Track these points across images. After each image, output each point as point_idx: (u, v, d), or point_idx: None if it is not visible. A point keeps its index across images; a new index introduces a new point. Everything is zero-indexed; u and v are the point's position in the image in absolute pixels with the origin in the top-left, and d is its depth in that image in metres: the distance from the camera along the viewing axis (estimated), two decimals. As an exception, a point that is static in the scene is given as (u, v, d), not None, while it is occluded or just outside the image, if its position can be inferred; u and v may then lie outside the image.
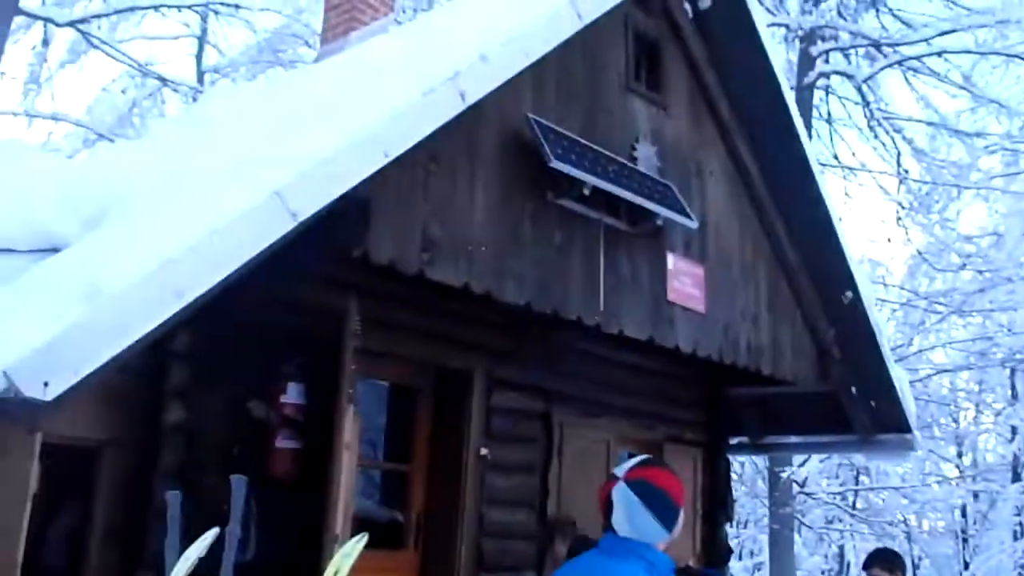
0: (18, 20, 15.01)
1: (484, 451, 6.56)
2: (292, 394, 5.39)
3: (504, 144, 5.69)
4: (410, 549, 6.40)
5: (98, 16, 16.14)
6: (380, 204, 4.88)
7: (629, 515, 2.54)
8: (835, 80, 17.19)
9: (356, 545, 2.76)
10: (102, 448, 5.11)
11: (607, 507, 2.58)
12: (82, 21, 15.75)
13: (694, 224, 6.72)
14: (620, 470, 2.63)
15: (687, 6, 7.44)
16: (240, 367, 5.32)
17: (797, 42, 16.27)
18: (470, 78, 5.06)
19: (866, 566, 5.82)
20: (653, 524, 2.54)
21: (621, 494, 2.56)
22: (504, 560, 6.69)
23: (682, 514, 2.62)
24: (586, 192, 5.86)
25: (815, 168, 7.96)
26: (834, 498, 18.38)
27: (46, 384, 3.37)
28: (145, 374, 5.14)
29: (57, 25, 15.48)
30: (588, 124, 6.32)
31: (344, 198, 4.45)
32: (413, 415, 6.61)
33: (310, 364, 5.49)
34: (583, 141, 6.10)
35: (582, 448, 7.37)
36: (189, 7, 17.57)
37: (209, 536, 3.05)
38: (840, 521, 19.92)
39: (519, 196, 5.73)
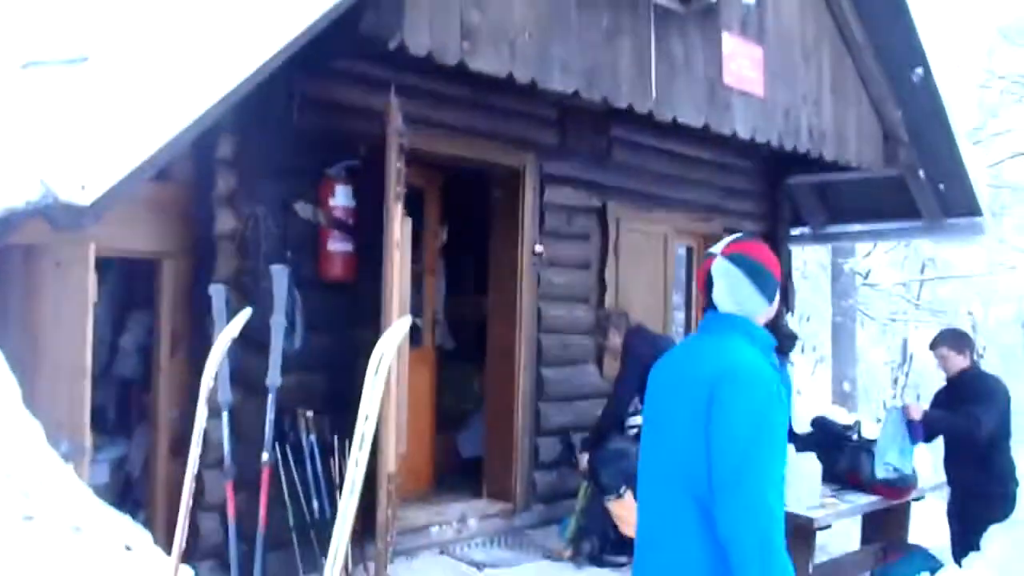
0: None
1: (539, 248, 6.50)
2: (340, 197, 5.33)
3: (544, -81, 5.29)
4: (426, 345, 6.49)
5: None
6: (414, -10, 4.62)
7: (731, 288, 2.51)
8: None
9: (401, 326, 2.73)
10: (160, 260, 5.17)
11: (707, 285, 2.55)
12: None
13: (751, 0, 6.30)
14: (716, 248, 2.59)
15: None
16: (287, 172, 5.26)
17: None
18: None
19: (933, 345, 5.76)
20: (754, 295, 2.52)
21: (721, 268, 2.52)
22: (564, 354, 6.77)
23: (778, 286, 2.58)
24: (633, -33, 5.49)
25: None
26: (898, 289, 18.21)
27: (83, 187, 3.34)
28: (194, 184, 5.12)
29: None
30: None
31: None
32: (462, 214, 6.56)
33: (356, 166, 5.40)
34: (629, -88, 5.66)
35: (638, 242, 7.28)
36: None
37: (243, 315, 3.05)
38: (904, 313, 19.83)
39: (562, -23, 5.39)
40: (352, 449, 2.70)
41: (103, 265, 4.70)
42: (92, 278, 4.32)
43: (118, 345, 5.84)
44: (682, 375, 2.48)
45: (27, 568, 3.00)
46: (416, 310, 6.38)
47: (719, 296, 2.53)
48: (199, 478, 3.89)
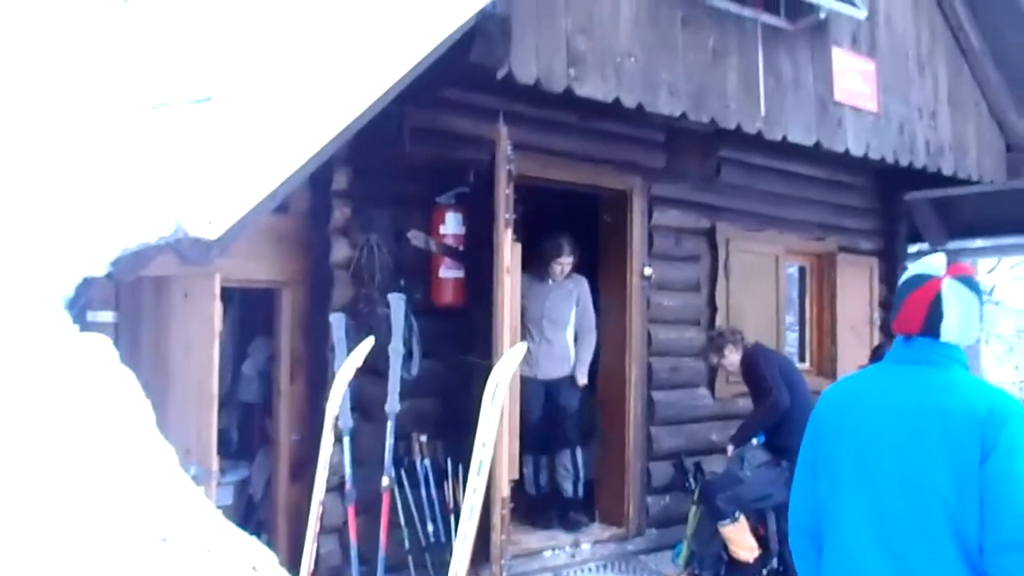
0: None
1: (648, 271, 6.48)
2: (451, 224, 5.43)
3: (648, -56, 5.32)
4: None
5: None
6: (520, 20, 4.70)
7: (966, 314, 2.29)
8: None
9: (516, 354, 2.76)
10: (280, 289, 5.35)
11: (931, 310, 2.28)
12: None
13: (862, 14, 6.18)
14: (931, 269, 2.35)
15: None
16: (398, 201, 5.39)
17: None
18: None
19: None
20: (979, 321, 2.33)
21: (956, 292, 2.29)
22: (675, 378, 6.70)
23: None
24: (739, -14, 5.46)
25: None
26: (1026, 305, 17.40)
27: (210, 222, 3.49)
28: (311, 215, 5.29)
29: None
30: (738, -87, 5.81)
31: (483, 14, 4.29)
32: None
33: (466, 193, 5.49)
34: (733, -68, 5.63)
35: (750, 263, 7.18)
36: None
37: (366, 344, 3.13)
38: (1033, 330, 18.91)
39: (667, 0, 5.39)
40: (470, 475, 2.74)
41: (226, 294, 4.91)
42: (218, 308, 4.50)
43: (240, 371, 6.06)
44: (904, 409, 2.24)
45: (163, 587, 3.13)
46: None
47: (951, 323, 2.27)
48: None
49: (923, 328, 2.30)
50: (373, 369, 4.45)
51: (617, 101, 5.19)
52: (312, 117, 3.81)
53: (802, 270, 8.00)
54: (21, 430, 3.23)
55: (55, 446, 3.33)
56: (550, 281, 6.16)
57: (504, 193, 5.03)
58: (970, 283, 2.32)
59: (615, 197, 6.47)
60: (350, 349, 3.51)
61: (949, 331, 2.28)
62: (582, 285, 6.26)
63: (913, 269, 2.41)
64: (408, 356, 4.30)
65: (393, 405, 3.77)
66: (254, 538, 4.01)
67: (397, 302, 3.68)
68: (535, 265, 6.10)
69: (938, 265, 2.36)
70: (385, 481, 3.80)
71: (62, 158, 4.91)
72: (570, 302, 6.18)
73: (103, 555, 3.11)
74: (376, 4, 4.41)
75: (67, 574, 3.02)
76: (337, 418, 3.16)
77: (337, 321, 3.60)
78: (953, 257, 7.58)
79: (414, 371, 4.63)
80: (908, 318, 2.33)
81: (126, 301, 4.64)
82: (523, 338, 5.73)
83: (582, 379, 6.20)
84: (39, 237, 4.29)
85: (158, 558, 3.27)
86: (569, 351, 6.18)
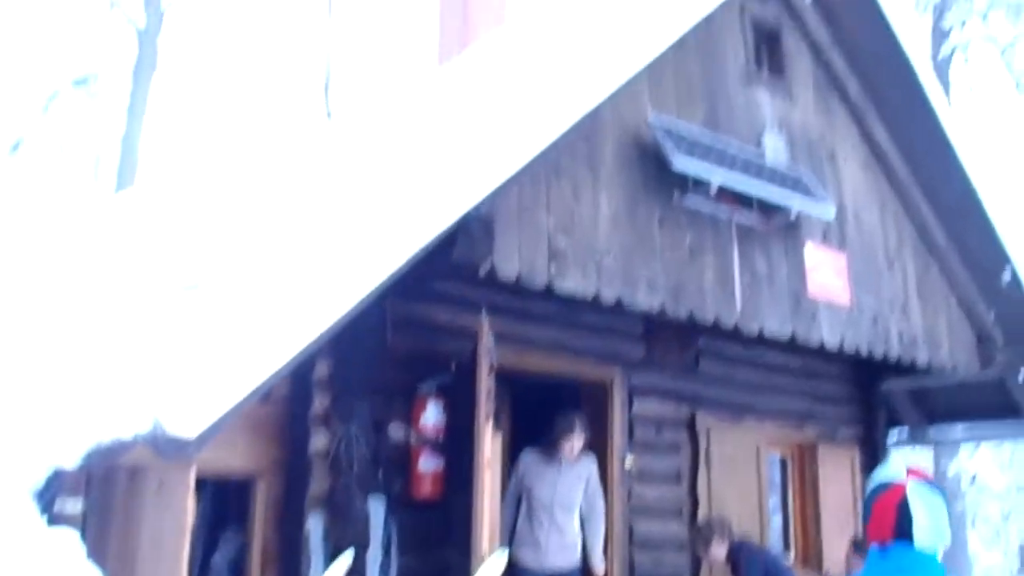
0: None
1: (629, 461, 6.43)
2: (431, 414, 5.42)
3: (625, 148, 5.59)
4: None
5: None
6: (503, 219, 4.86)
7: (935, 518, 2.31)
8: (974, 47, 16.27)
9: (497, 560, 2.70)
10: (255, 478, 5.26)
11: (899, 516, 2.31)
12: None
13: (831, 213, 6.43)
14: (892, 475, 2.39)
15: (805, -13, 7.16)
16: (379, 391, 5.40)
17: (929, 12, 15.49)
18: (584, 85, 4.98)
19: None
20: (948, 524, 2.35)
21: (920, 494, 2.32)
22: (658, 572, 6.54)
23: None
24: (713, 190, 5.69)
25: (957, 143, 7.50)
26: (1010, 490, 17.29)
27: (191, 421, 3.48)
28: (290, 404, 5.28)
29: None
30: (710, 120, 6.15)
31: (467, 215, 4.45)
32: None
33: (446, 384, 5.51)
34: (707, 138, 5.93)
35: (730, 454, 7.14)
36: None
37: (345, 559, 3.06)
38: (1020, 514, 18.71)
39: (644, 200, 5.61)
40: None
41: (199, 481, 4.81)
42: (191, 502, 4.41)
43: (210, 562, 5.87)
44: None
45: None
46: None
47: (920, 524, 2.29)
48: None
49: (895, 532, 2.32)
50: (350, 571, 4.33)
51: (597, 296, 5.30)
52: (298, 313, 3.87)
53: (783, 461, 7.96)
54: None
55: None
56: (561, 462, 5.67)
57: (485, 384, 5.06)
58: (932, 485, 2.37)
59: (595, 387, 6.50)
60: (326, 548, 3.43)
61: (921, 532, 2.30)
62: (592, 466, 5.84)
63: (875, 478, 2.45)
64: (386, 559, 4.19)
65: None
66: None
67: (376, 506, 3.62)
68: (542, 444, 5.75)
69: (898, 471, 2.40)
70: None
71: (43, 344, 4.93)
72: (580, 485, 5.74)
73: None
74: (364, 201, 4.57)
75: None
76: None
77: (315, 526, 3.53)
78: (931, 443, 7.55)
79: (392, 574, 4.51)
80: (879, 525, 2.36)
81: (96, 490, 4.53)
82: (530, 524, 5.54)
83: (600, 567, 5.76)
84: (11, 426, 4.25)
85: None
86: (577, 538, 5.72)
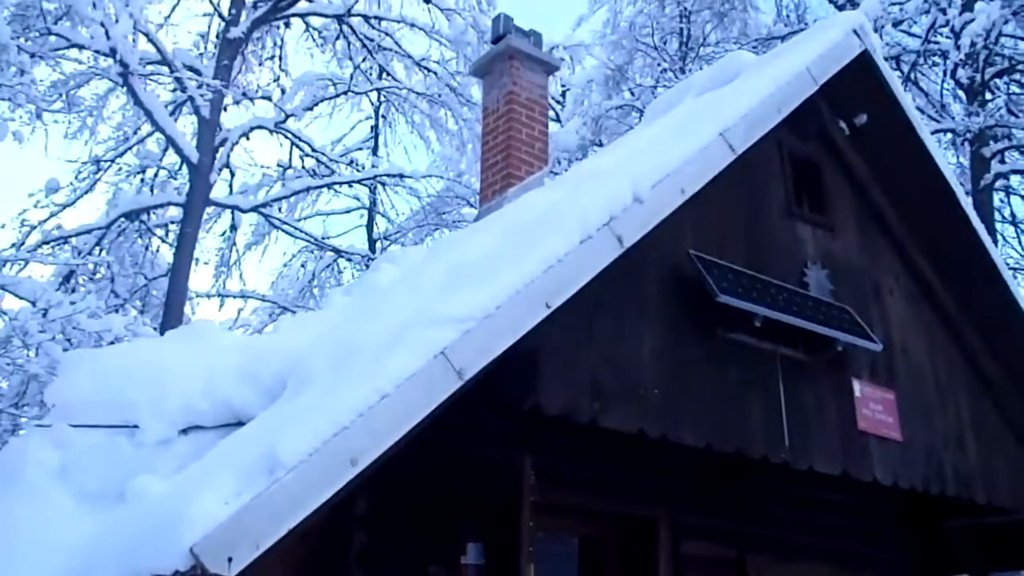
0: (208, 210, 16.39)
1: (676, 606, 6.18)
2: (472, 555, 5.29)
3: (668, 283, 5.60)
4: None
5: (278, 199, 17.41)
6: (546, 355, 4.85)
7: None
8: (1015, 179, 16.32)
9: None
10: (292, 620, 5.12)
11: None
12: (264, 205, 17.04)
13: (878, 347, 6.33)
14: None
15: (842, 124, 7.27)
16: (419, 529, 5.29)
17: (967, 145, 15.62)
18: (626, 221, 5.03)
19: None
20: None
21: None
22: None
23: None
24: (757, 324, 5.65)
25: (1005, 273, 7.43)
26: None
27: (230, 560, 3.42)
28: (328, 542, 5.18)
29: (243, 211, 16.79)
30: (753, 254, 6.16)
31: (510, 352, 4.43)
32: (600, 570, 6.34)
33: (488, 523, 5.39)
34: (749, 272, 5.92)
35: (782, 596, 6.84)
36: (359, 182, 18.73)
37: None
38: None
39: (688, 334, 5.58)
40: None
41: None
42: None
43: None
44: None
45: None
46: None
47: None
48: None
49: None
50: None
51: (642, 432, 5.21)
52: (338, 448, 3.82)
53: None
54: None
55: None
56: None
57: (527, 525, 4.94)
58: None
59: (641, 526, 6.32)
60: None
61: None
62: None
63: None
64: None
65: None
66: None
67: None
68: None
69: None
70: None
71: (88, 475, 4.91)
72: None
73: None
74: (403, 336, 4.57)
75: None
76: None
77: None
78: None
79: None
80: None
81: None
82: None
83: None
84: (52, 562, 4.21)
85: None
86: None
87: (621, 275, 5.21)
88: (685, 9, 20.40)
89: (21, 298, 10.93)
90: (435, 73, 18.03)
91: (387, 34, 17.64)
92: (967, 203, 7.38)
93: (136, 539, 4.06)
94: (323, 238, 19.34)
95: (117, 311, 14.47)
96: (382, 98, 20.04)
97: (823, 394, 6.16)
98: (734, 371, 5.69)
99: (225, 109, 15.77)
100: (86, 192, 16.58)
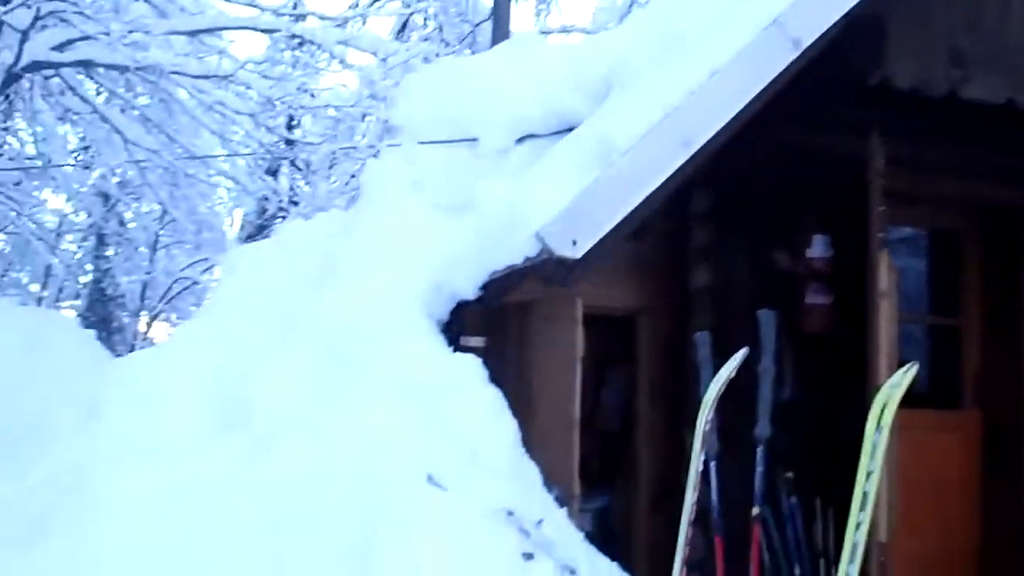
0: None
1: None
2: (818, 247, 5.10)
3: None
4: (966, 408, 5.75)
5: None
6: (896, 19, 4.32)
7: None
8: None
9: (904, 376, 2.45)
10: (638, 316, 5.33)
11: None
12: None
13: None
14: None
15: None
16: (760, 223, 5.16)
17: None
18: None
19: None
20: None
21: None
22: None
23: None
24: None
25: None
26: None
27: (574, 242, 3.53)
28: (669, 241, 5.22)
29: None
30: None
31: (852, 17, 3.99)
32: (958, 262, 5.89)
33: (834, 214, 5.14)
34: None
35: None
36: None
37: (738, 356, 2.96)
38: None
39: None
40: (852, 509, 2.47)
41: (585, 321, 4.96)
42: (580, 332, 4.56)
43: (599, 399, 6.09)
44: None
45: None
46: (941, 368, 5.79)
47: None
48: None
49: None
50: (736, 394, 4.24)
51: (1011, 103, 4.59)
52: (668, 135, 3.73)
53: None
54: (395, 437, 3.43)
55: (425, 452, 3.51)
56: None
57: (877, 211, 4.63)
58: None
59: (1006, 214, 5.72)
60: (714, 372, 3.35)
61: None
62: None
63: None
64: (779, 377, 4.03)
65: (763, 430, 3.52)
66: (616, 565, 3.97)
67: (767, 319, 3.47)
68: None
69: None
70: (755, 511, 3.56)
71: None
72: None
73: (467, 567, 3.20)
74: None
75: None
76: (704, 443, 3.00)
77: (702, 340, 3.47)
78: None
79: (787, 393, 4.36)
80: None
81: (494, 327, 4.85)
82: None
83: None
84: (415, 264, 4.61)
85: (523, 574, 3.31)
86: None
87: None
88: None
89: (363, 51, 11.68)
90: None
91: None
92: None
93: (487, 238, 4.33)
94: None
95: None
96: None
97: None
98: None
99: None
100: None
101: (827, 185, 5.20)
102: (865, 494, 2.44)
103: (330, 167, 15.57)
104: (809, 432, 5.01)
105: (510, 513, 3.48)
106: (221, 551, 3.24)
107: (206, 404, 4.02)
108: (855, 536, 2.44)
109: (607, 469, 6.14)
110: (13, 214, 14.03)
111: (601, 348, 6.28)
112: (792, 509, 4.84)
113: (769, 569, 4.77)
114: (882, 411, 2.47)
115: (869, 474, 2.44)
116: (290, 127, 14.40)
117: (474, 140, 5.18)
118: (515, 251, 3.85)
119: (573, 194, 3.61)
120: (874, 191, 4.65)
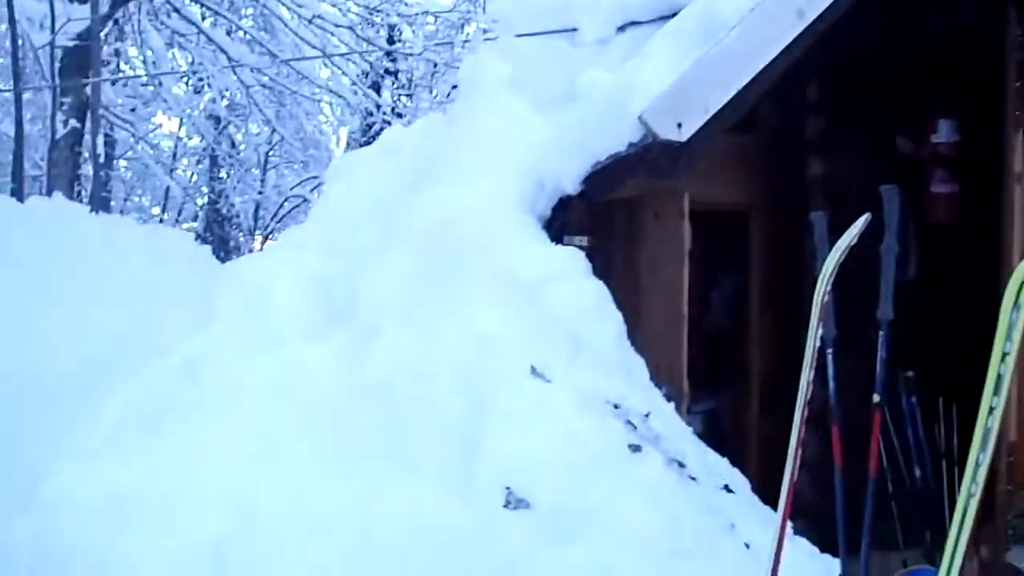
0: None
1: None
2: (943, 132, 4.77)
3: None
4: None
5: None
6: None
7: None
8: None
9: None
10: (748, 212, 5.12)
11: None
12: None
13: None
14: None
15: None
16: (880, 110, 4.84)
17: None
18: None
19: None
20: None
21: None
22: None
23: None
24: None
25: None
26: None
27: (679, 125, 3.35)
28: (780, 132, 4.97)
29: None
30: None
31: None
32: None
33: (961, 94, 4.78)
34: None
35: None
36: None
37: (859, 223, 2.77)
38: None
39: None
40: (984, 393, 2.28)
41: (694, 219, 4.79)
42: (687, 227, 4.39)
43: (708, 299, 5.94)
44: None
45: (635, 494, 3.10)
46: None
47: None
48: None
49: None
50: (850, 283, 4.03)
51: None
52: (782, 6, 3.48)
53: None
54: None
55: (529, 344, 3.45)
56: None
57: (1014, 87, 4.27)
58: None
59: None
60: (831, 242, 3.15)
61: None
62: None
63: None
64: (903, 255, 3.79)
65: (886, 311, 3.31)
66: (726, 460, 3.87)
67: (889, 194, 3.24)
68: None
69: None
70: (876, 398, 3.38)
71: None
72: None
73: (572, 459, 3.15)
74: None
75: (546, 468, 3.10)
76: (820, 320, 2.84)
77: (819, 220, 3.27)
78: None
79: (911, 271, 4.12)
80: None
81: (598, 225, 4.72)
82: None
83: None
84: (514, 159, 4.49)
85: (629, 466, 3.25)
86: None
87: None
88: None
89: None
90: None
91: None
92: None
93: (589, 128, 4.17)
94: None
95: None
96: None
97: None
98: None
99: None
100: None
101: (955, 64, 4.83)
102: (1000, 376, 2.24)
103: (432, 77, 15.51)
104: (932, 328, 4.77)
105: (616, 406, 3.41)
106: (328, 442, 3.28)
107: (313, 301, 4.05)
108: (987, 422, 2.25)
109: (715, 371, 6.02)
110: (131, 139, 14.48)
111: (711, 250, 6.11)
112: (912, 408, 4.64)
113: (887, 470, 4.61)
114: (1020, 289, 2.25)
115: (1004, 355, 2.24)
116: (391, 40, 14.34)
117: (573, 30, 4.99)
118: (619, 138, 3.69)
119: (676, 73, 3.42)
120: (1010, 66, 4.29)
